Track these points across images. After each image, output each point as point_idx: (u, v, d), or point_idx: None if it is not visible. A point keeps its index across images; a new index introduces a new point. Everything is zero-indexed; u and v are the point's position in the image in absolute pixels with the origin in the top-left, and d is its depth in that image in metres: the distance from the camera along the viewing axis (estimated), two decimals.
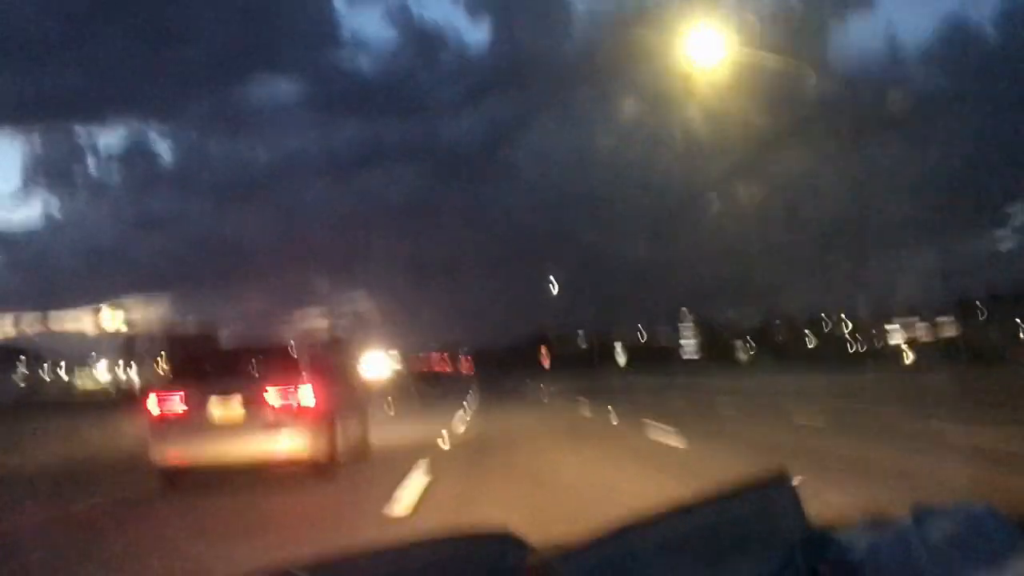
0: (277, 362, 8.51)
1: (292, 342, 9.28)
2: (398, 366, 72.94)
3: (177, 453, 7.86)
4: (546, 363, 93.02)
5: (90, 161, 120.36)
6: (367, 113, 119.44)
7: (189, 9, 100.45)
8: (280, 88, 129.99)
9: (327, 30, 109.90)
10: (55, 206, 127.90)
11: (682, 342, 79.45)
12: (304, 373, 8.37)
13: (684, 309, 75.65)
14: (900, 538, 0.85)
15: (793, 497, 0.96)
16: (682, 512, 1.00)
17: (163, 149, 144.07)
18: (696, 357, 73.86)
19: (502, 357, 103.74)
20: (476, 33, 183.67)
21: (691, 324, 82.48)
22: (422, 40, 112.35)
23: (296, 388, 8.11)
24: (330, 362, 10.01)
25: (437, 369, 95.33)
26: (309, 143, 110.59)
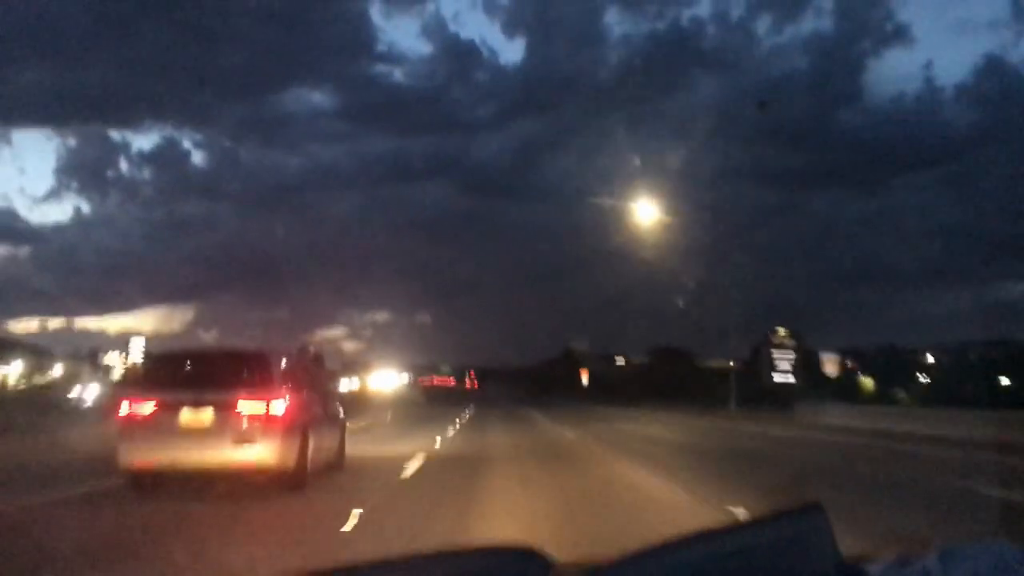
0: (250, 371, 9.54)
1: (268, 352, 10.13)
2: (408, 385, 76.68)
3: (144, 457, 8.85)
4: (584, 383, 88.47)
5: (122, 165, 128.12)
6: (399, 128, 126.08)
7: (226, 19, 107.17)
8: (314, 99, 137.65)
9: (364, 44, 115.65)
10: (84, 208, 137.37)
11: (777, 366, 75.64)
12: (276, 383, 9.42)
13: (779, 329, 71.44)
14: None
15: (825, 528, 1.06)
16: (712, 536, 1.11)
17: (197, 157, 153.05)
18: (791, 382, 70.11)
19: (527, 379, 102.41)
20: (511, 53, 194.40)
21: (790, 346, 78.38)
22: (457, 57, 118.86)
23: (267, 398, 9.11)
24: (305, 374, 11.01)
25: (441, 386, 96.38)
26: (340, 156, 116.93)
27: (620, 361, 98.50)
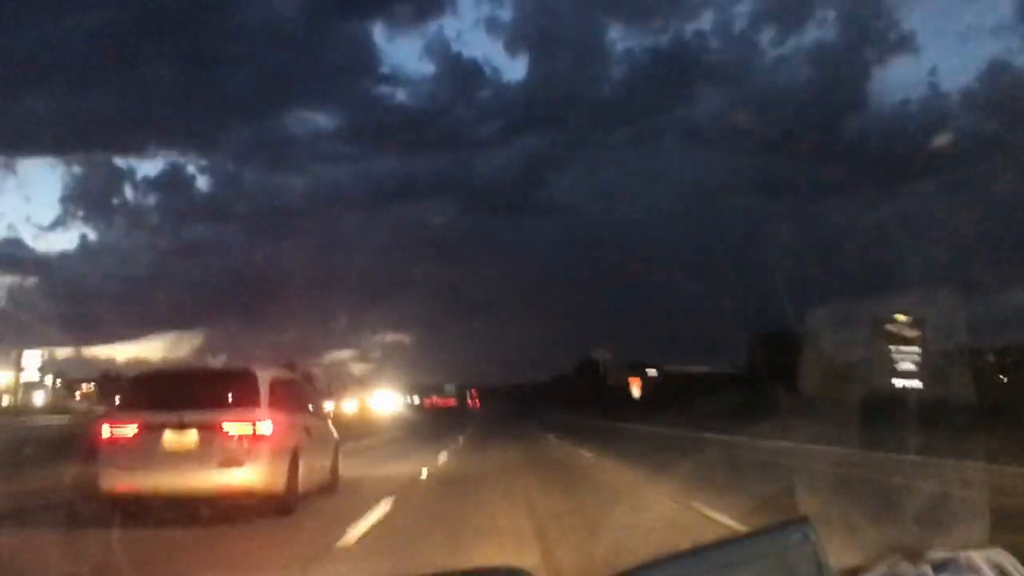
0: (237, 392, 9.85)
1: (254, 371, 10.45)
2: (410, 405, 78.98)
3: (126, 481, 9.14)
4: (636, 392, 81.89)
5: (127, 192, 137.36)
6: (403, 147, 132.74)
7: (229, 42, 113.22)
8: (318, 121, 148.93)
9: (367, 65, 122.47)
10: (90, 236, 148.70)
11: (899, 367, 67.33)
12: (264, 404, 9.71)
13: (899, 316, 63.63)
14: None
15: (815, 541, 1.05)
16: (700, 552, 1.12)
17: (202, 181, 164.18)
18: (916, 387, 61.88)
19: (540, 396, 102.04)
20: (514, 71, 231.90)
21: (914, 338, 68.47)
22: (461, 76, 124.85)
23: (254, 419, 9.40)
24: (295, 395, 11.39)
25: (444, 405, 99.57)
26: (345, 177, 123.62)
27: (652, 372, 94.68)
